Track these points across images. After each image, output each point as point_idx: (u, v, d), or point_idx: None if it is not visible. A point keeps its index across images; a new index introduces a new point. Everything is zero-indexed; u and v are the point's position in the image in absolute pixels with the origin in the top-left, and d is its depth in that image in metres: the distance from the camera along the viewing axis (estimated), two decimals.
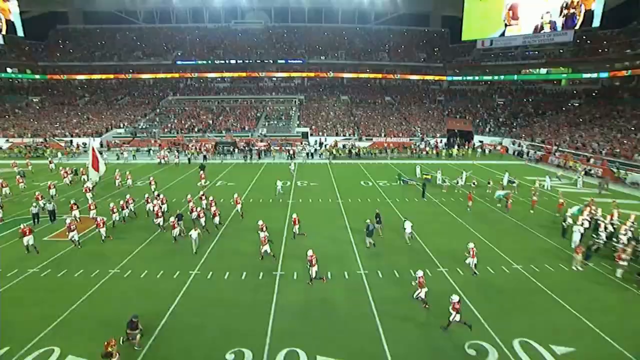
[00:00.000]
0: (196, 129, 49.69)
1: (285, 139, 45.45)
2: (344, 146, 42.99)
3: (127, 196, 20.27)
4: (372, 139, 46.45)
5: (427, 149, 42.74)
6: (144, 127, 51.59)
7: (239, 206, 19.85)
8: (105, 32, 72.13)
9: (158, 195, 21.41)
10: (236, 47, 64.95)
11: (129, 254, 15.24)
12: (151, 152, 41.08)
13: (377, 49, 65.24)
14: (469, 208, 21.42)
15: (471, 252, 13.55)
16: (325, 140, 44.93)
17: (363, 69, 62.99)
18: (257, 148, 41.07)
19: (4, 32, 59.92)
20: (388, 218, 18.74)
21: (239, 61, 61.98)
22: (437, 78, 64.85)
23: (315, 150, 41.60)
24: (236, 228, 18.50)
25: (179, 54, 64.81)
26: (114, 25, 73.05)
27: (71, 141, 47.52)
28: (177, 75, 64.13)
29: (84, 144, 47.22)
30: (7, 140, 47.70)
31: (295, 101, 58.16)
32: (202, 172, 28.71)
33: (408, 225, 16.47)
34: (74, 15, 73.63)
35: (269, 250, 14.67)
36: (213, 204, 18.95)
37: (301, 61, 61.46)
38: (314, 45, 64.56)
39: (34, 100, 63.42)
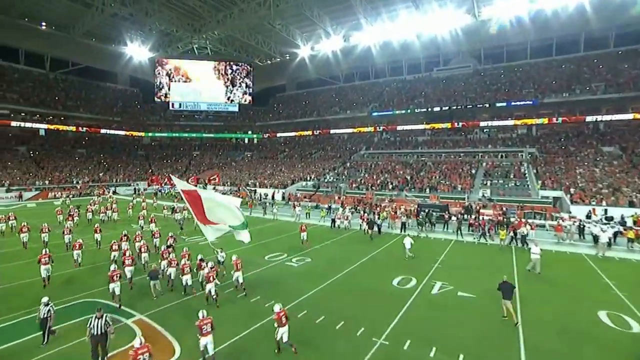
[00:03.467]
0: (390, 186, 37.19)
1: (523, 206, 27.44)
2: None
3: None
4: None
5: None
6: (330, 180, 42.67)
7: None
8: (310, 94, 71.71)
9: None
10: (439, 94, 51.73)
11: None
12: (330, 210, 30.17)
13: None
14: None
15: None
16: (605, 213, 24.59)
17: (637, 106, 38.93)
18: (488, 218, 24.69)
19: (244, 101, 67.48)
20: None
21: (443, 108, 48.19)
22: None
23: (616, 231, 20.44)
24: None
25: (375, 105, 56.12)
26: (317, 88, 72.31)
27: (255, 191, 42.46)
28: (371, 129, 55.11)
29: (265, 194, 41.19)
30: (213, 185, 46.91)
31: (523, 155, 39.31)
32: (409, 249, 15.05)
33: None
34: (290, 84, 76.92)
35: None
36: None
37: (531, 102, 42.64)
38: (548, 82, 44.83)
39: (247, 155, 65.92)
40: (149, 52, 59.44)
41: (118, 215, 27.35)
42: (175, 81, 64.25)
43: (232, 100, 67.53)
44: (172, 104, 64.89)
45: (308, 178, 45.32)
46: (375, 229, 22.13)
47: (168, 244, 16.47)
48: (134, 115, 64.49)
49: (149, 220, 22.16)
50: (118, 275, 11.70)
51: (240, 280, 12.49)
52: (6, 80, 51.97)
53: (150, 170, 57.26)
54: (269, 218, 28.41)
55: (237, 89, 67.21)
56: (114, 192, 44.38)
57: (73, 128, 55.40)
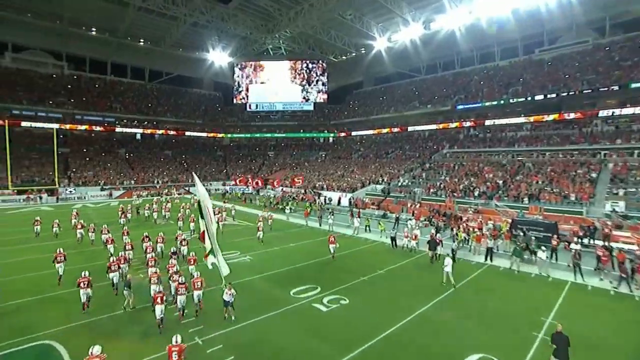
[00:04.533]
0: (476, 192, 30.01)
1: None
2: None
3: None
4: None
5: None
6: (404, 184, 36.80)
7: None
8: (387, 90, 65.60)
9: None
10: (543, 79, 41.40)
11: None
12: (398, 222, 24.84)
13: None
14: None
15: None
16: None
17: None
18: (630, 248, 16.49)
19: (319, 100, 64.75)
20: None
21: (548, 96, 38.16)
22: None
23: None
24: None
25: (461, 98, 47.88)
26: (396, 83, 65.83)
27: (319, 194, 38.78)
28: (456, 124, 47.15)
29: (330, 199, 37.25)
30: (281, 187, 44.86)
31: None
32: (450, 272, 9.91)
33: None
34: (368, 80, 72.15)
35: None
36: None
37: None
38: None
39: (322, 154, 63.16)
40: (229, 57, 60.67)
41: (169, 214, 28.04)
42: (252, 83, 64.69)
43: (307, 99, 65.52)
44: (249, 105, 65.51)
45: (380, 181, 40.17)
46: (440, 250, 16.57)
47: (172, 250, 15.11)
48: (214, 118, 66.84)
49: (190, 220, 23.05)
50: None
51: (196, 301, 11.06)
52: (114, 92, 58.02)
53: (224, 171, 58.35)
54: (323, 230, 24.39)
55: (312, 88, 64.86)
56: (188, 192, 45.56)
57: (162, 131, 59.43)
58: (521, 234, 19.05)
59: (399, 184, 37.18)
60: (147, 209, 28.90)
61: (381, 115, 57.75)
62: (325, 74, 64.61)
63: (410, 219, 23.74)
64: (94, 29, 51.65)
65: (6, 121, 38.70)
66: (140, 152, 56.81)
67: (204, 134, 65.02)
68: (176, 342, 7.65)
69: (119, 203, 33.20)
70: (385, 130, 57.57)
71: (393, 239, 19.20)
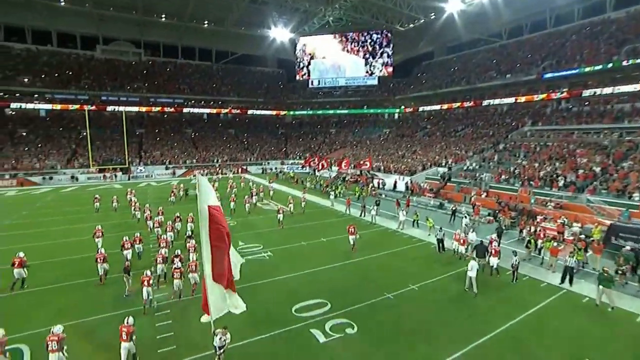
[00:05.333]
0: (561, 182, 23.93)
1: None
2: None
3: None
4: None
5: None
6: (470, 168, 31.46)
7: None
8: (461, 59, 57.31)
9: None
10: None
11: None
12: (455, 215, 20.85)
13: None
14: None
15: None
16: None
17: None
18: None
19: (384, 73, 59.63)
20: None
21: None
22: None
23: None
24: None
25: (550, 64, 39.03)
26: (471, 50, 57.12)
27: (373, 177, 35.32)
28: (543, 96, 38.90)
29: (383, 183, 33.71)
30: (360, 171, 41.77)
31: None
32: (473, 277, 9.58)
33: None
34: (439, 50, 64.27)
35: None
36: None
37: None
38: None
39: (385, 131, 58.71)
40: (290, 33, 58.56)
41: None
42: (314, 58, 61.97)
43: (371, 73, 60.83)
44: (311, 82, 63.20)
45: (444, 163, 35.26)
46: (495, 263, 12.67)
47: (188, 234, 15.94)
48: (275, 95, 66.02)
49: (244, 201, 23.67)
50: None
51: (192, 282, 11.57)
52: (182, 75, 60.55)
53: (284, 149, 57.69)
54: (365, 221, 21.51)
55: (376, 61, 59.87)
56: (246, 170, 45.84)
57: (227, 111, 60.70)
58: (627, 247, 13.93)
59: (465, 167, 32.01)
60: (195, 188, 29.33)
61: (452, 88, 50.75)
62: (391, 45, 58.86)
63: (465, 216, 19.46)
64: (163, 16, 53.73)
65: (87, 108, 42.62)
66: (206, 131, 58.95)
67: (267, 112, 64.90)
68: (127, 323, 7.94)
69: (179, 182, 34.63)
70: (456, 105, 50.70)
71: (440, 241, 15.47)
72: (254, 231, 19.05)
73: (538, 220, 18.31)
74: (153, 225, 17.61)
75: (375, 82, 61.33)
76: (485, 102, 46.27)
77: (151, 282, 10.51)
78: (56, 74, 49.43)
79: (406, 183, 32.51)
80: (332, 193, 27.33)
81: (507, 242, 16.68)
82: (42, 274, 12.90)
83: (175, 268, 11.33)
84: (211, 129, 60.23)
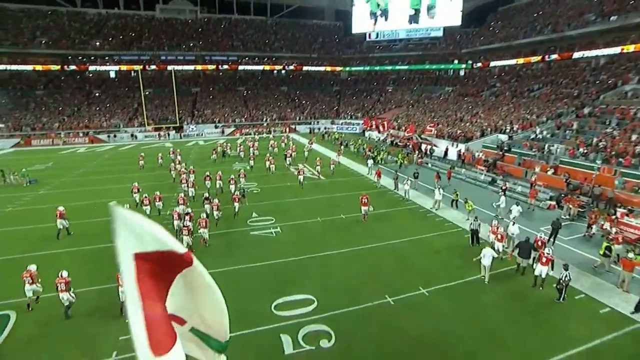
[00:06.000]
0: None
1: None
2: None
3: None
4: None
5: None
6: (539, 137, 25.97)
7: None
8: (546, 1, 46.81)
9: None
10: None
11: None
12: (512, 209, 15.26)
13: None
14: None
15: None
16: None
17: None
18: None
19: (451, 23, 50.63)
20: None
21: None
22: None
23: None
24: None
25: None
26: None
27: (421, 144, 31.31)
28: None
29: (432, 150, 29.80)
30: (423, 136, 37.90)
31: None
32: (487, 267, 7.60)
33: None
34: None
35: None
36: None
37: None
38: None
39: (448, 90, 52.11)
40: None
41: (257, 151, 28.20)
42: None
43: (436, 24, 53.17)
44: (369, 35, 57.52)
45: (508, 129, 29.89)
46: (544, 272, 9.68)
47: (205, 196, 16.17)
48: (330, 51, 61.75)
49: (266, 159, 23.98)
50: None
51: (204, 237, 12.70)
52: (236, 31, 59.17)
53: (336, 108, 54.64)
54: (397, 196, 18.94)
55: (442, 8, 51.83)
56: (294, 130, 44.46)
57: (280, 67, 58.64)
58: None
59: (532, 136, 26.61)
60: (239, 147, 29.91)
61: (533, 39, 42.00)
62: None
63: (517, 203, 15.43)
64: None
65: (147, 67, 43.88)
66: (258, 89, 58.02)
67: (322, 68, 61.39)
68: (61, 276, 8.77)
69: (225, 141, 35.00)
70: (535, 59, 42.22)
71: (475, 232, 12.59)
72: (272, 201, 17.96)
73: (619, 214, 14.05)
74: (184, 184, 18.53)
75: (440, 33, 53.36)
76: (576, 55, 37.54)
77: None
78: (121, 36, 51.61)
79: (459, 151, 28.41)
80: (370, 161, 24.72)
81: (567, 238, 13.14)
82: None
83: (184, 226, 12.04)
84: (263, 86, 59.20)
